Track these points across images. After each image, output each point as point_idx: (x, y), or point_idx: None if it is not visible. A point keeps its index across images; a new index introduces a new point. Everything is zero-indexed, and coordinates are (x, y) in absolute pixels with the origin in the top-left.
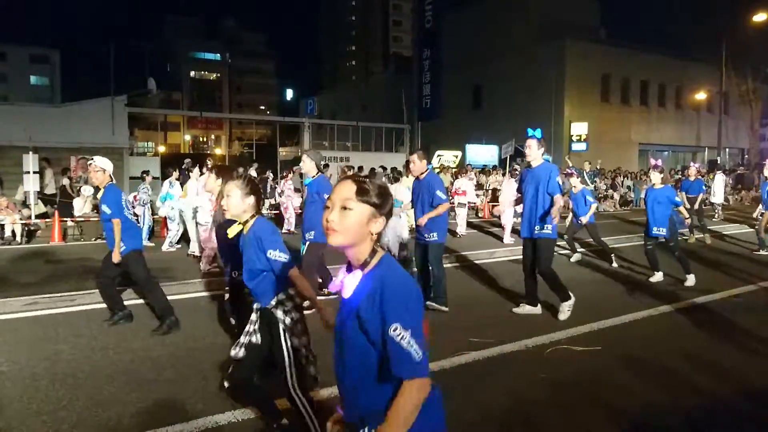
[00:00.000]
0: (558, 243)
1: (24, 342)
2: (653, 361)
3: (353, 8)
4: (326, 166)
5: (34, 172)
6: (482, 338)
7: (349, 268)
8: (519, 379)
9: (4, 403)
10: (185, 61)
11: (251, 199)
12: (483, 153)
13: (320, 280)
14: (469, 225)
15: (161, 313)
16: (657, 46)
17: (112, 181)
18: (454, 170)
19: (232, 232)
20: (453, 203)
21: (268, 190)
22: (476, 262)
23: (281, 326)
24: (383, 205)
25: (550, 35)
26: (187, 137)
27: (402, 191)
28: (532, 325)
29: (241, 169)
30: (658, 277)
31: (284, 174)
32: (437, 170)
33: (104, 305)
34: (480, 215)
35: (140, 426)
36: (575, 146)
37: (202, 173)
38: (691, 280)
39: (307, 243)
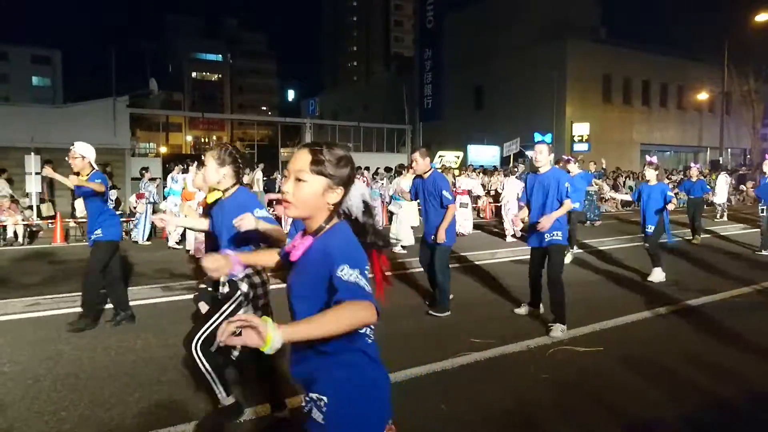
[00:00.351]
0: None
1: (26, 343)
2: (655, 361)
3: (354, 8)
4: None
5: (36, 173)
6: (484, 339)
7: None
8: (520, 379)
9: (6, 404)
10: (186, 61)
11: (227, 169)
12: (484, 153)
13: None
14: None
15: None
16: (658, 46)
17: (94, 170)
18: (455, 170)
19: (211, 197)
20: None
21: (277, 191)
22: (477, 262)
23: (237, 293)
24: (340, 176)
25: (552, 35)
26: (189, 138)
27: (406, 184)
28: (534, 326)
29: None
30: (658, 275)
31: (285, 174)
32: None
33: (105, 306)
34: (482, 216)
35: (142, 426)
36: (577, 147)
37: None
38: (656, 275)
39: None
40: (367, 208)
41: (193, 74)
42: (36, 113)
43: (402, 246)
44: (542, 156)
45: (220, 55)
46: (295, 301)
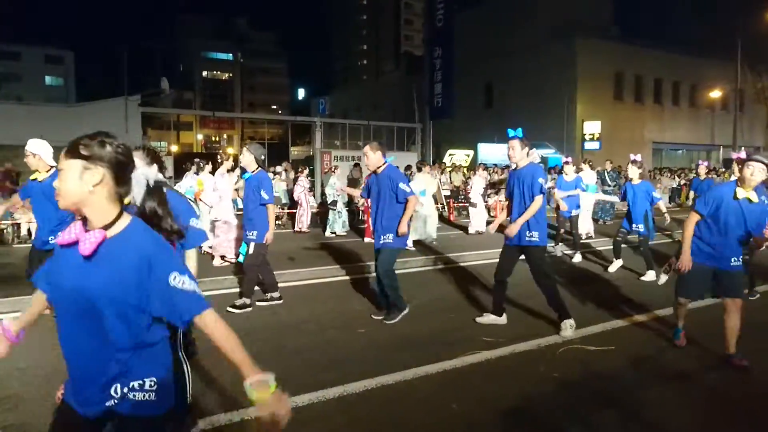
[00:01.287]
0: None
1: (42, 339)
2: (664, 360)
3: (364, 7)
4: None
5: None
6: (494, 338)
7: (86, 227)
8: (531, 378)
9: (23, 399)
10: (197, 60)
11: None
12: (495, 152)
13: (260, 278)
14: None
15: None
16: (671, 44)
17: (53, 168)
18: (465, 168)
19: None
20: (468, 202)
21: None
22: (487, 261)
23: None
24: (97, 155)
25: (562, 33)
26: (200, 137)
27: (426, 180)
28: (545, 325)
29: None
30: (617, 265)
31: (298, 171)
32: (449, 169)
33: None
34: (492, 214)
35: None
36: (588, 145)
37: (213, 170)
38: (650, 275)
39: (250, 243)
40: (152, 191)
41: (204, 73)
42: (49, 112)
43: (434, 241)
44: (515, 152)
45: (231, 55)
46: (99, 301)
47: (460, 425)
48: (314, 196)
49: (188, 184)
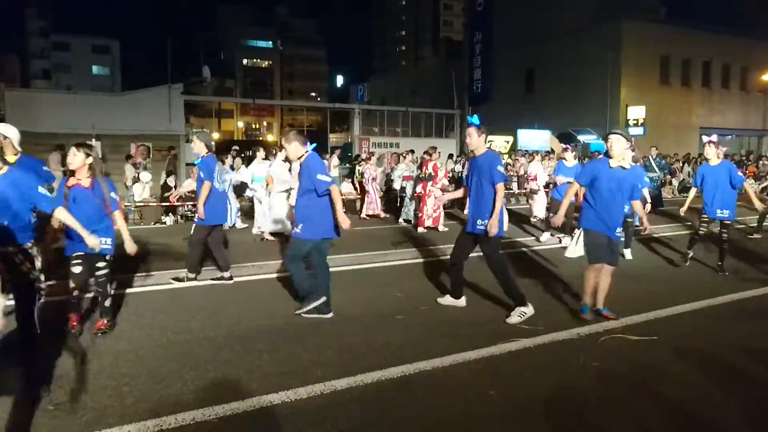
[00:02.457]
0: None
1: (88, 321)
2: (710, 352)
3: None
4: (373, 153)
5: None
6: (533, 326)
7: None
8: (570, 367)
9: (72, 378)
10: (238, 48)
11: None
12: (535, 138)
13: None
14: (514, 214)
15: None
16: (720, 25)
17: (20, 153)
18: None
19: None
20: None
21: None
22: (524, 249)
23: None
24: None
25: (607, 15)
26: (240, 124)
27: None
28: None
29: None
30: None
31: (366, 157)
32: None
33: (158, 287)
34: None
35: (198, 402)
36: (632, 131)
37: (266, 157)
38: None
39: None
40: None
41: (245, 61)
42: (96, 101)
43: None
44: (471, 139)
45: (271, 42)
46: None
47: (498, 413)
48: (352, 183)
49: (257, 172)
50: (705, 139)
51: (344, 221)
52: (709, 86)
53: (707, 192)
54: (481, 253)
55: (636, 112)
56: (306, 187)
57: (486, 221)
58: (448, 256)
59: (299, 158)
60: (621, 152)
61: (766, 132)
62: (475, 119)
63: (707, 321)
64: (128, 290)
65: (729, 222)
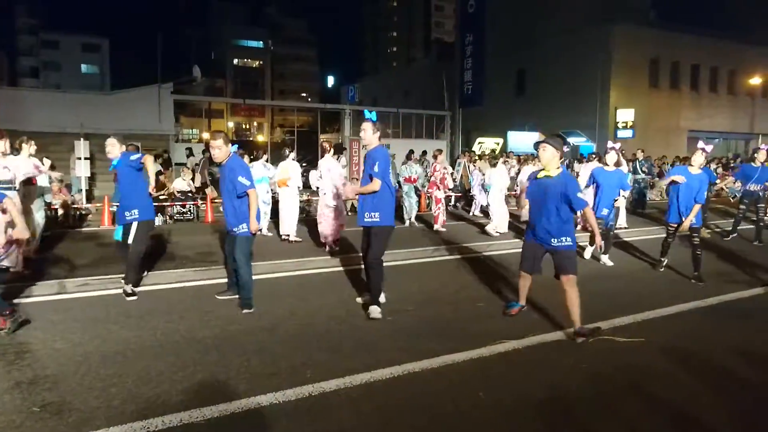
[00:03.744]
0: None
1: (77, 321)
2: (697, 353)
3: None
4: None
5: (86, 158)
6: (522, 327)
7: None
8: (559, 369)
9: (59, 379)
10: (229, 48)
11: None
12: (525, 140)
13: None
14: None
15: None
16: (709, 29)
17: None
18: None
19: None
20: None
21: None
22: (515, 251)
23: None
24: None
25: (598, 18)
26: (231, 124)
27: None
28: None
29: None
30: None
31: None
32: (476, 158)
33: (148, 288)
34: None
35: (186, 404)
36: (621, 133)
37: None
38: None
39: (134, 223)
40: None
41: (235, 61)
42: (85, 100)
43: (498, 232)
44: (366, 134)
45: (261, 42)
46: None
47: (488, 413)
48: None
49: (262, 174)
50: (700, 144)
51: (253, 225)
52: (698, 90)
53: (677, 197)
54: (478, 254)
55: (625, 115)
56: (229, 189)
57: (374, 213)
58: (437, 257)
59: (223, 160)
60: (548, 161)
61: (753, 135)
62: (373, 115)
63: (694, 323)
64: (117, 290)
65: (697, 227)
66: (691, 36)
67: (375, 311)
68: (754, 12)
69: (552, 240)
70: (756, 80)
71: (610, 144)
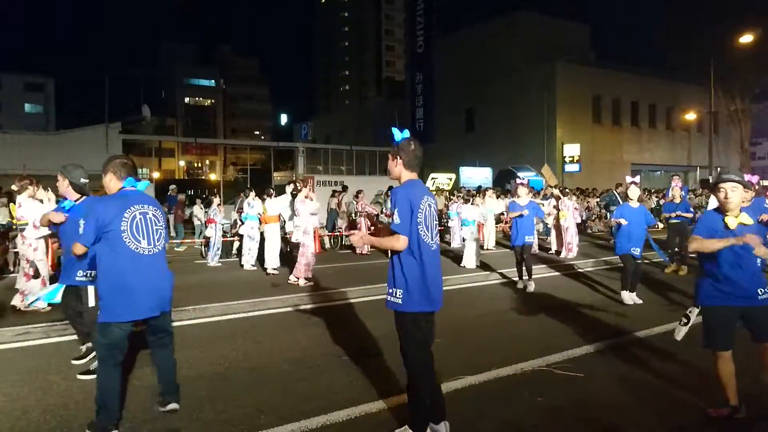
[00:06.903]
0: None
1: (16, 373)
2: (649, 381)
3: (346, 34)
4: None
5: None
6: (478, 363)
7: None
8: (515, 402)
9: None
10: (180, 87)
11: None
12: (476, 175)
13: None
14: None
15: None
16: (647, 68)
17: None
18: (447, 192)
19: None
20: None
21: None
22: (473, 285)
23: None
24: None
25: (541, 58)
26: (182, 163)
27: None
28: (528, 348)
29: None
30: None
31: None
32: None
33: None
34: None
35: None
36: (568, 167)
37: (263, 197)
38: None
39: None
40: None
41: (186, 100)
42: (29, 141)
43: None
44: (389, 165)
45: (213, 81)
46: None
47: None
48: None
49: (246, 212)
50: (628, 179)
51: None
52: (638, 125)
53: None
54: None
55: (571, 150)
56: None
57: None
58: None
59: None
60: (738, 204)
61: (691, 167)
62: (403, 134)
63: (646, 351)
64: (60, 339)
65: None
66: (629, 74)
67: None
68: (686, 53)
69: (758, 290)
70: (691, 116)
71: (629, 179)
